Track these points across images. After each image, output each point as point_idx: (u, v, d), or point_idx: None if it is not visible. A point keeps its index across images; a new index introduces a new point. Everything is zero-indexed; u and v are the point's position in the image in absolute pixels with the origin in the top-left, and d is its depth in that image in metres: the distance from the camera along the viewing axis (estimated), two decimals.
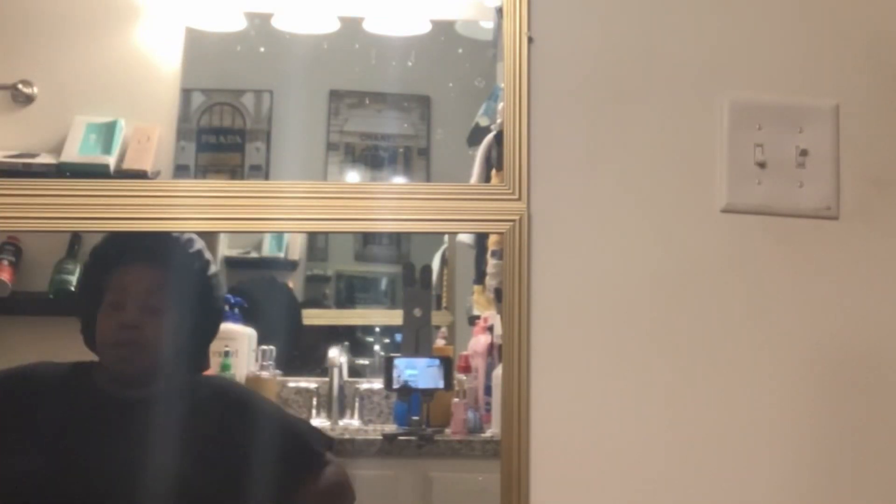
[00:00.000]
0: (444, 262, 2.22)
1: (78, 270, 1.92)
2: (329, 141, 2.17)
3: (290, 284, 2.26)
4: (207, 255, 1.78)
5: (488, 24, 2.10)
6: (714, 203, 1.38)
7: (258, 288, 2.21)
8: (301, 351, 2.20)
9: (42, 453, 1.63)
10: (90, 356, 1.71)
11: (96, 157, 1.93)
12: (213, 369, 2.03)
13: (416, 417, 2.01)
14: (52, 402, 1.68)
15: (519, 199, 1.36)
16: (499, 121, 1.67)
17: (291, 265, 2.26)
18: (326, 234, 2.16)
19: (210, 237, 2.15)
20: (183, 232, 1.72)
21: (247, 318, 2.11)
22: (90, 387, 1.70)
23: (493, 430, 2.00)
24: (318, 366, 2.16)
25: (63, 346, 1.79)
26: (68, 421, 1.67)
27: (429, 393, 2.01)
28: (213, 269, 1.79)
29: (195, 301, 1.77)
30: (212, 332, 1.82)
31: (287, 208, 1.38)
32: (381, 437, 2.00)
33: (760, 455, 1.35)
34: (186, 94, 2.10)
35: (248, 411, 1.79)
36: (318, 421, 2.10)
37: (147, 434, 1.67)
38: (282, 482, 1.71)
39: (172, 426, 1.67)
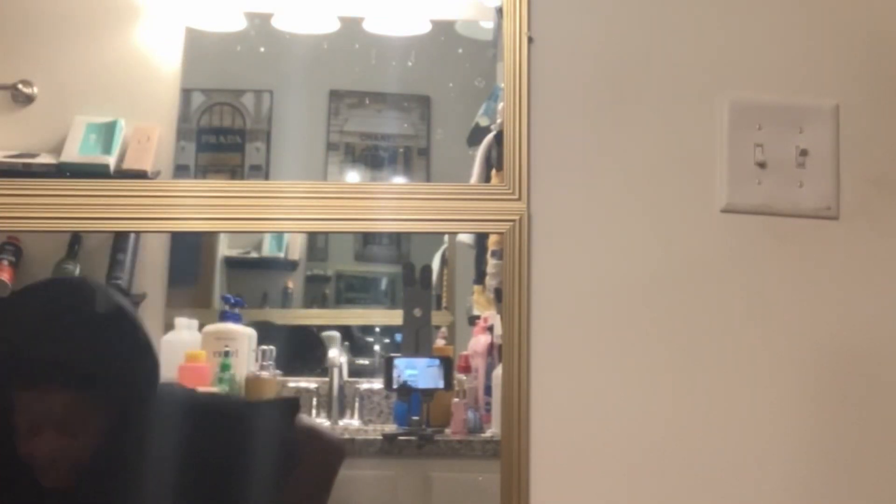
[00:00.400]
0: (444, 262, 2.22)
1: (78, 271, 1.92)
2: (329, 141, 2.17)
3: (290, 284, 2.26)
4: (127, 317, 1.60)
5: (488, 24, 2.10)
6: (714, 203, 1.38)
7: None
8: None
9: None
10: None
11: (96, 157, 1.93)
12: (211, 367, 2.03)
13: (416, 417, 2.01)
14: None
15: (519, 199, 1.36)
16: (499, 121, 1.67)
17: (291, 265, 2.26)
18: (326, 234, 2.16)
19: (210, 237, 2.15)
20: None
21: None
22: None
23: (493, 430, 2.00)
24: (319, 365, 2.16)
25: None
26: None
27: (429, 393, 2.01)
28: (134, 329, 1.59)
29: (125, 377, 1.55)
30: (152, 390, 1.60)
31: (287, 208, 1.38)
32: (381, 437, 2.00)
33: (761, 454, 1.35)
34: (186, 94, 2.10)
35: (219, 421, 1.64)
36: (318, 421, 2.10)
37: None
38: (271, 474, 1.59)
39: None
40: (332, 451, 1.71)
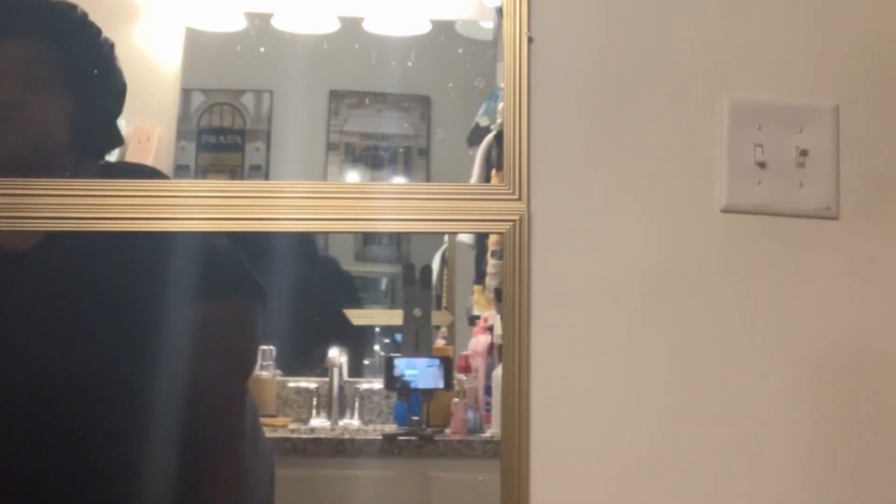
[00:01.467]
0: (444, 262, 2.22)
1: None
2: (329, 141, 2.17)
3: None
4: (98, 26, 1.61)
5: (488, 24, 2.10)
6: (714, 203, 1.38)
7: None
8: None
9: None
10: None
11: None
12: None
13: (416, 417, 2.01)
14: None
15: (519, 199, 1.36)
16: (499, 121, 1.67)
17: None
18: (326, 234, 2.16)
19: None
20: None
21: None
22: None
23: (493, 430, 2.00)
24: (319, 365, 2.16)
25: None
26: None
27: (429, 393, 2.01)
28: (109, 43, 1.62)
29: (90, 78, 1.58)
30: (116, 108, 1.63)
31: (287, 208, 1.38)
32: (381, 437, 2.00)
33: (761, 454, 1.35)
34: (186, 94, 2.10)
35: None
36: (318, 421, 2.10)
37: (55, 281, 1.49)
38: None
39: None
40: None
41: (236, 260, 1.62)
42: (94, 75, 1.60)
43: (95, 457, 1.51)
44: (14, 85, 1.51)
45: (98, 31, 1.61)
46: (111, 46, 1.63)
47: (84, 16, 1.59)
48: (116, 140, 1.68)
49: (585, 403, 1.34)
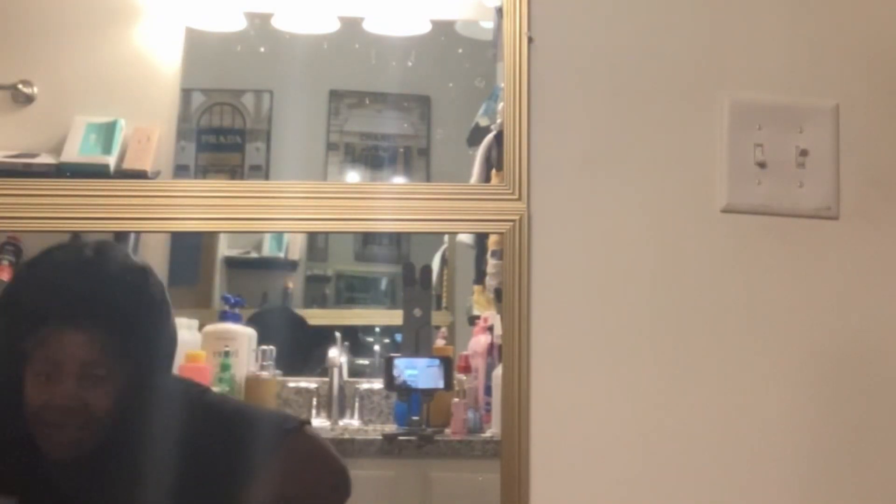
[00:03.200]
0: (444, 262, 2.22)
1: None
2: (329, 141, 2.17)
3: (290, 284, 2.26)
4: (153, 276, 1.54)
5: (488, 24, 2.10)
6: (714, 203, 1.38)
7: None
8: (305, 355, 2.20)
9: None
10: None
11: (96, 157, 1.93)
12: (211, 368, 2.03)
13: (416, 417, 2.01)
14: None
15: (519, 199, 1.36)
16: (499, 121, 1.67)
17: (291, 265, 2.26)
18: (326, 234, 2.16)
19: (210, 237, 2.15)
20: (121, 259, 1.52)
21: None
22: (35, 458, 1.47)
23: (493, 430, 2.00)
24: (319, 365, 2.16)
25: None
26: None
27: (429, 393, 2.01)
28: (167, 303, 1.55)
29: (148, 341, 1.52)
30: (168, 367, 1.57)
31: (287, 208, 1.38)
32: (381, 437, 2.00)
33: (760, 454, 1.35)
34: (186, 94, 2.10)
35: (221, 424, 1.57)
36: (318, 421, 2.10)
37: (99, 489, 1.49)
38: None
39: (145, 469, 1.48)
40: (334, 474, 1.58)
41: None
42: (152, 346, 1.53)
43: None
44: (72, 382, 1.46)
45: (160, 298, 1.53)
46: (168, 309, 1.55)
47: (147, 290, 1.52)
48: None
49: (585, 403, 1.34)
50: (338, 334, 2.18)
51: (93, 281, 1.50)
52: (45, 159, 1.92)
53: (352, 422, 2.12)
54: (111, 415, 1.48)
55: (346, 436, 2.05)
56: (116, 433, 1.49)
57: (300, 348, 2.17)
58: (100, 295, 1.49)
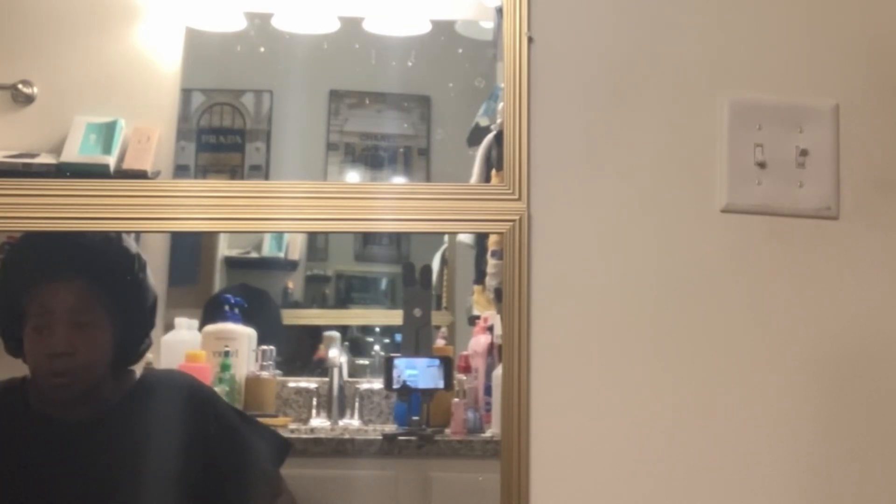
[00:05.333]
0: (444, 262, 2.22)
1: None
2: (329, 141, 2.17)
3: (290, 284, 2.26)
4: (134, 248, 1.70)
5: (488, 24, 2.10)
6: (714, 203, 1.38)
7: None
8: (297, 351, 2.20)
9: None
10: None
11: (96, 157, 1.93)
12: (211, 367, 2.03)
13: (416, 417, 2.01)
14: None
15: (519, 199, 1.36)
16: (499, 121, 1.66)
17: (291, 265, 2.26)
18: (326, 234, 2.16)
19: (210, 237, 2.15)
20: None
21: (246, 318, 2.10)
22: (25, 409, 1.64)
23: (493, 430, 2.00)
24: (318, 366, 2.16)
25: None
26: (3, 449, 1.61)
27: (429, 393, 2.01)
28: (141, 262, 1.71)
29: (127, 304, 1.69)
30: (149, 323, 1.75)
31: (287, 208, 1.38)
32: (381, 437, 2.00)
33: (761, 455, 1.35)
34: (186, 94, 2.10)
35: (206, 413, 1.73)
36: (318, 421, 2.10)
37: (99, 457, 1.62)
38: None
39: (126, 444, 1.62)
40: None
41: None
42: (132, 301, 1.71)
43: None
44: (62, 333, 1.62)
45: (134, 256, 1.70)
46: (144, 265, 1.72)
47: (120, 244, 1.68)
48: (145, 351, 1.75)
49: (585, 403, 1.34)
50: (337, 334, 2.18)
51: (75, 241, 1.63)
52: (45, 159, 1.92)
53: (352, 422, 2.12)
54: (103, 365, 1.64)
55: (347, 436, 2.05)
56: (116, 397, 1.64)
57: None
58: (81, 250, 1.64)
